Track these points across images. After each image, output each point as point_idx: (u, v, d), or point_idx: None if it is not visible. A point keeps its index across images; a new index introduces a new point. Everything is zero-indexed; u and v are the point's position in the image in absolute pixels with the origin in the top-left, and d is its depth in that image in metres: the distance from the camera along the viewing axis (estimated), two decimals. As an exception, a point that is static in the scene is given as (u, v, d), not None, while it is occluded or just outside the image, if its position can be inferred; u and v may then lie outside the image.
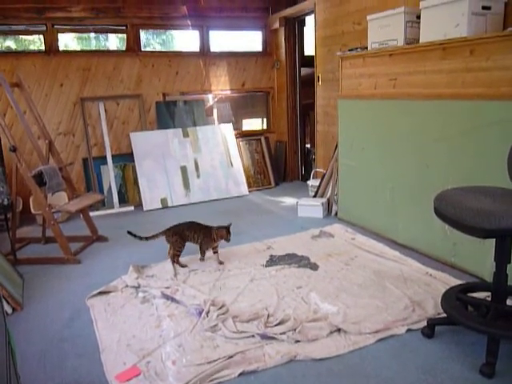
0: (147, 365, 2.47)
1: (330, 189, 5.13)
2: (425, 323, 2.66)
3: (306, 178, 6.80)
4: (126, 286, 3.44)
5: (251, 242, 4.32)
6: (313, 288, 3.26)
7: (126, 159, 6.09)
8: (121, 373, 2.42)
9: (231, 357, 2.49)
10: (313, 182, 5.79)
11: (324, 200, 5.09)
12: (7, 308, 3.13)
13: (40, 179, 3.97)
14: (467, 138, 3.29)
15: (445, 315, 2.58)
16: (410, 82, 3.80)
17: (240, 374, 2.35)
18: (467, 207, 2.24)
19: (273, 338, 2.64)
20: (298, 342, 2.60)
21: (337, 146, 4.93)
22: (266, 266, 3.72)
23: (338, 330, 2.70)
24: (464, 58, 3.30)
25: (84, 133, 5.91)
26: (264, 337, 2.65)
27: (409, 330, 2.67)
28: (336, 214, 4.99)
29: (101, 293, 3.37)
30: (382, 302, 2.99)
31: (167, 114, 6.39)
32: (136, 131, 6.14)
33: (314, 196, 5.43)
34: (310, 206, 5.05)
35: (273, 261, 3.83)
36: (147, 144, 6.04)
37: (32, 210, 5.25)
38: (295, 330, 2.68)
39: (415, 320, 2.76)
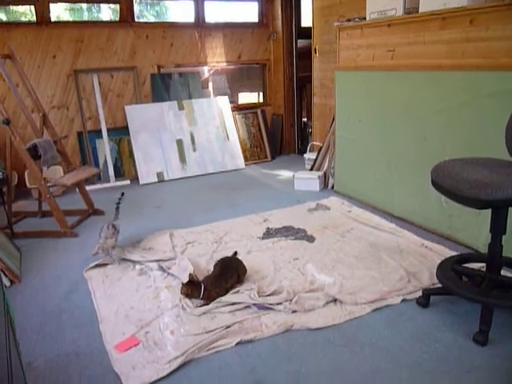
0: (146, 335, 2.50)
1: (327, 162, 5.12)
2: (420, 293, 2.70)
3: (302, 151, 6.77)
4: (123, 258, 3.45)
5: (247, 214, 4.32)
6: (309, 259, 3.28)
7: (121, 133, 6.03)
8: (120, 343, 2.45)
9: (229, 327, 2.52)
10: (309, 156, 5.77)
11: (320, 173, 5.08)
12: (5, 281, 3.14)
13: (35, 152, 3.94)
14: (466, 109, 3.27)
15: (440, 285, 2.62)
16: (409, 52, 3.75)
17: (237, 343, 2.39)
18: (464, 178, 2.24)
19: (269, 309, 2.67)
20: (294, 312, 2.63)
21: (334, 118, 4.89)
22: (262, 239, 3.74)
23: (335, 300, 2.73)
24: (464, 28, 3.25)
25: (78, 106, 5.82)
26: (261, 307, 2.68)
27: (404, 300, 2.71)
28: (332, 187, 4.99)
29: (98, 265, 3.38)
30: (377, 273, 3.01)
31: (162, 87, 6.30)
32: (131, 104, 6.06)
33: (311, 169, 5.42)
34: (307, 179, 5.04)
35: (269, 233, 3.84)
36: (142, 117, 5.98)
37: (27, 184, 5.22)
38: (292, 300, 2.71)
39: (410, 290, 2.79)
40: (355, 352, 2.31)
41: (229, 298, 2.76)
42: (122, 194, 3.77)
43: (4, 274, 3.15)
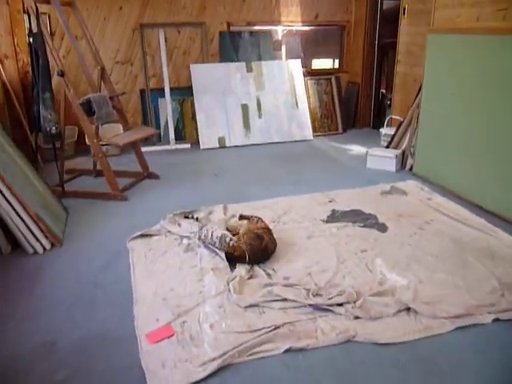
0: (182, 325, 2.18)
1: (407, 139, 4.51)
2: (518, 313, 2.16)
3: (378, 125, 6.14)
4: (169, 231, 3.15)
5: (311, 192, 3.88)
6: (379, 253, 2.80)
7: (184, 93, 5.70)
8: (152, 331, 2.15)
9: (277, 327, 2.14)
10: (386, 131, 5.17)
11: (398, 151, 4.49)
12: (46, 243, 2.94)
13: (88, 108, 3.69)
14: None
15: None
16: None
17: (286, 351, 2.00)
18: None
19: (328, 310, 2.25)
20: (357, 318, 2.20)
21: (420, 89, 4.26)
22: (326, 222, 3.29)
23: (408, 309, 2.26)
24: None
25: (142, 62, 5.55)
26: (317, 308, 2.26)
27: (496, 320, 2.18)
28: (411, 168, 4.39)
29: (143, 235, 3.11)
30: (462, 280, 2.49)
31: (231, 46, 5.87)
32: (197, 63, 5.70)
33: (387, 146, 4.83)
34: (382, 158, 4.48)
35: (334, 216, 3.38)
36: (208, 78, 5.61)
37: (86, 141, 5.06)
38: (355, 303, 2.27)
39: (505, 308, 2.25)
40: (430, 381, 1.85)
41: (281, 291, 2.37)
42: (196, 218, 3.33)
43: (45, 236, 2.95)
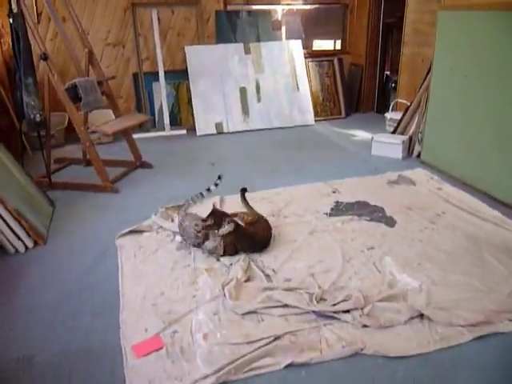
0: (172, 336, 1.98)
1: (414, 124, 4.27)
2: (544, 321, 1.96)
3: (382, 109, 5.89)
4: (161, 226, 2.93)
5: (314, 182, 3.65)
6: (388, 251, 2.59)
7: (179, 76, 5.43)
8: (140, 343, 1.95)
9: (278, 338, 1.93)
10: (392, 115, 4.92)
11: (405, 137, 4.25)
12: (28, 242, 2.73)
13: (74, 94, 3.45)
14: None
15: None
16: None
17: (287, 366, 1.80)
18: None
19: (333, 318, 2.04)
20: (365, 326, 1.99)
21: (429, 71, 4.00)
22: (329, 215, 3.07)
23: (421, 315, 2.05)
24: None
25: (135, 44, 5.27)
26: (321, 315, 2.06)
27: (518, 328, 1.98)
28: (419, 155, 4.15)
29: (133, 231, 2.89)
30: (479, 282, 2.28)
31: (228, 26, 5.58)
32: (192, 45, 5.42)
33: (393, 132, 4.58)
34: (388, 144, 4.24)
35: (339, 209, 3.16)
36: (204, 60, 5.33)
37: (77, 128, 4.81)
38: (363, 309, 2.07)
39: (527, 314, 2.04)
40: (450, 402, 1.65)
41: (282, 296, 2.16)
42: (219, 177, 3.08)
43: (27, 233, 2.73)
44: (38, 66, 3.68)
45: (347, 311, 2.06)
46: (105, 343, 1.97)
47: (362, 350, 1.87)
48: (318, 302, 2.11)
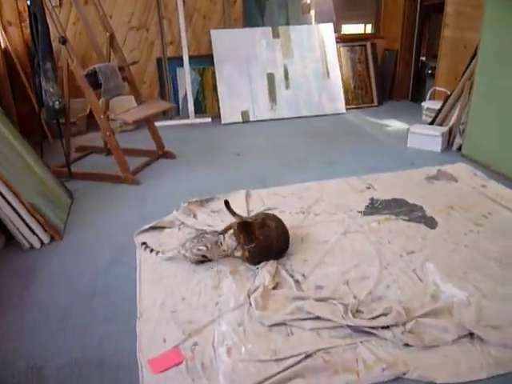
0: (193, 349, 1.80)
1: (455, 115, 3.96)
2: None
3: (417, 97, 5.57)
4: (183, 223, 2.75)
5: (346, 176, 3.41)
6: (430, 256, 2.35)
7: (205, 62, 5.22)
8: (158, 357, 1.77)
9: (309, 356, 1.73)
10: (429, 104, 4.61)
11: (445, 129, 3.96)
12: (44, 237, 2.59)
13: (94, 80, 3.28)
14: None
15: None
16: None
17: (320, 390, 1.60)
18: None
19: (371, 334, 1.83)
20: (407, 346, 1.77)
21: (473, 57, 3.68)
22: (364, 214, 2.84)
23: (470, 334, 1.82)
24: None
25: (159, 28, 5.07)
26: (358, 330, 1.85)
27: None
28: (459, 148, 3.86)
29: (153, 228, 2.72)
30: (536, 295, 2.03)
31: (256, 9, 5.32)
32: (218, 28, 5.19)
33: (431, 123, 4.28)
34: (426, 136, 3.95)
35: (374, 206, 2.93)
36: (230, 44, 5.11)
37: (99, 115, 4.67)
38: (405, 325, 1.84)
39: None
40: None
41: (313, 307, 1.95)
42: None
43: (43, 228, 2.59)
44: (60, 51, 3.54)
45: (387, 327, 1.85)
46: (119, 354, 1.80)
47: (404, 374, 1.65)
48: (353, 315, 1.90)
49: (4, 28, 4.12)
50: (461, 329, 1.82)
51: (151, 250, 2.41)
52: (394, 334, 1.81)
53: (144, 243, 2.47)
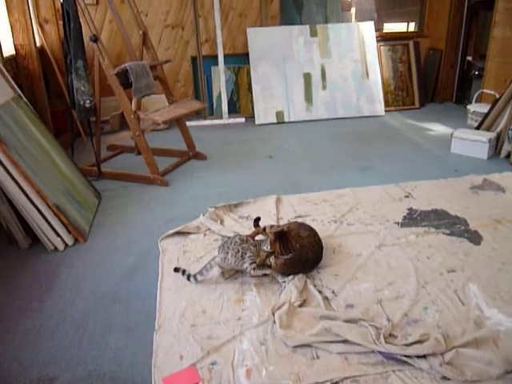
0: (211, 369, 1.68)
1: (505, 119, 3.70)
2: None
3: (461, 99, 5.28)
4: (209, 228, 2.65)
5: (383, 183, 3.23)
6: (473, 276, 2.15)
7: (240, 61, 5.12)
8: (173, 375, 1.67)
9: (335, 384, 1.59)
10: (475, 108, 4.34)
11: (492, 135, 3.70)
12: (68, 239, 2.55)
13: (125, 78, 3.22)
14: None
15: None
16: None
17: (345, 425, 1.46)
18: None
19: (405, 363, 1.66)
20: (445, 379, 1.60)
21: (526, 58, 3.42)
22: (401, 226, 2.65)
23: (519, 369, 1.62)
24: None
25: (194, 26, 5.00)
26: (390, 357, 1.68)
27: None
28: (508, 156, 3.60)
29: (179, 233, 2.63)
30: None
31: (293, 7, 5.18)
32: (255, 26, 5.07)
33: (478, 127, 4.02)
34: (471, 141, 3.70)
35: (412, 218, 2.74)
36: (266, 43, 4.99)
37: (132, 114, 4.64)
38: (443, 355, 1.67)
39: None
40: None
41: (342, 329, 1.80)
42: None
43: (67, 230, 2.55)
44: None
45: (423, 356, 1.67)
46: (134, 367, 1.72)
47: (442, 412, 1.49)
48: (386, 340, 1.74)
49: (41, 25, 4.14)
50: (508, 363, 1.63)
51: (183, 273, 2.23)
52: (431, 364, 1.64)
53: (177, 269, 2.24)
